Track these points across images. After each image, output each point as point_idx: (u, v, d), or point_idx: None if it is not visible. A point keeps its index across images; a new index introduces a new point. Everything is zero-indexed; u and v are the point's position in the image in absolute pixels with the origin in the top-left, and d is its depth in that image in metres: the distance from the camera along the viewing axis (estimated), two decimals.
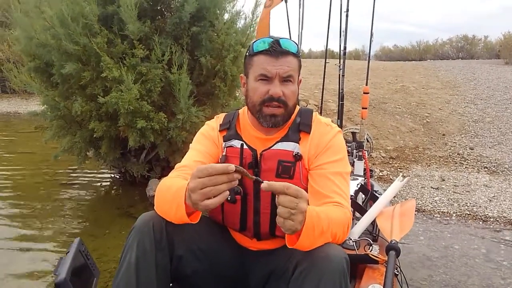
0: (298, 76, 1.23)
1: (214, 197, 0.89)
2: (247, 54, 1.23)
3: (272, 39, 1.17)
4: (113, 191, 4.17)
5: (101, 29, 3.27)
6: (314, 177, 1.19)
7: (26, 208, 3.52)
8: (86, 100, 3.41)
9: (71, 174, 4.58)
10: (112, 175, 4.51)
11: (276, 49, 1.15)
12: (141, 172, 3.92)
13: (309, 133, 1.24)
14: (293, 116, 1.27)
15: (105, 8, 3.34)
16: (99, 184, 4.33)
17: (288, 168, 1.19)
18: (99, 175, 4.58)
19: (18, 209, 3.53)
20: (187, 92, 3.41)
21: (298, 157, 1.19)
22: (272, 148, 1.22)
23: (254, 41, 1.20)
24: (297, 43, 1.23)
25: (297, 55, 1.20)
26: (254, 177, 0.95)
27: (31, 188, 4.08)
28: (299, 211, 0.88)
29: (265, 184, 0.87)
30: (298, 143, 1.22)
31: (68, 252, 1.04)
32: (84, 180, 4.40)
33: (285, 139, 1.23)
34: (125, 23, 3.25)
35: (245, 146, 1.22)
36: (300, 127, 1.25)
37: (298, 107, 1.31)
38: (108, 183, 4.38)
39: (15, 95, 12.21)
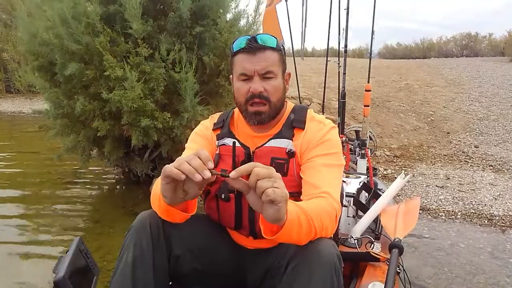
0: (283, 70, 1.21)
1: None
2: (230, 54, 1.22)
3: (250, 36, 1.15)
4: (117, 190, 4.18)
5: (104, 28, 3.27)
6: (304, 169, 1.17)
7: (30, 207, 3.53)
8: (89, 99, 3.41)
9: (75, 173, 4.59)
10: (116, 174, 4.52)
11: (252, 46, 1.14)
12: (145, 171, 3.92)
13: (303, 129, 1.22)
14: (287, 113, 1.26)
15: (107, 8, 3.34)
16: (103, 183, 4.34)
17: (281, 165, 1.18)
18: (103, 174, 4.58)
19: (22, 208, 3.54)
20: (193, 91, 3.40)
21: (291, 154, 1.18)
22: (265, 145, 1.21)
23: (234, 41, 1.19)
24: (278, 39, 1.20)
25: (276, 49, 1.17)
26: (218, 172, 0.87)
27: (35, 187, 4.09)
28: (277, 177, 0.83)
29: (233, 172, 0.83)
30: (292, 139, 1.20)
31: (68, 251, 1.04)
32: (88, 179, 4.40)
33: (278, 136, 1.22)
34: (129, 22, 3.24)
35: (237, 144, 1.21)
36: (294, 124, 1.23)
37: (292, 104, 1.30)
38: (112, 182, 4.38)
39: (19, 94, 12.25)
